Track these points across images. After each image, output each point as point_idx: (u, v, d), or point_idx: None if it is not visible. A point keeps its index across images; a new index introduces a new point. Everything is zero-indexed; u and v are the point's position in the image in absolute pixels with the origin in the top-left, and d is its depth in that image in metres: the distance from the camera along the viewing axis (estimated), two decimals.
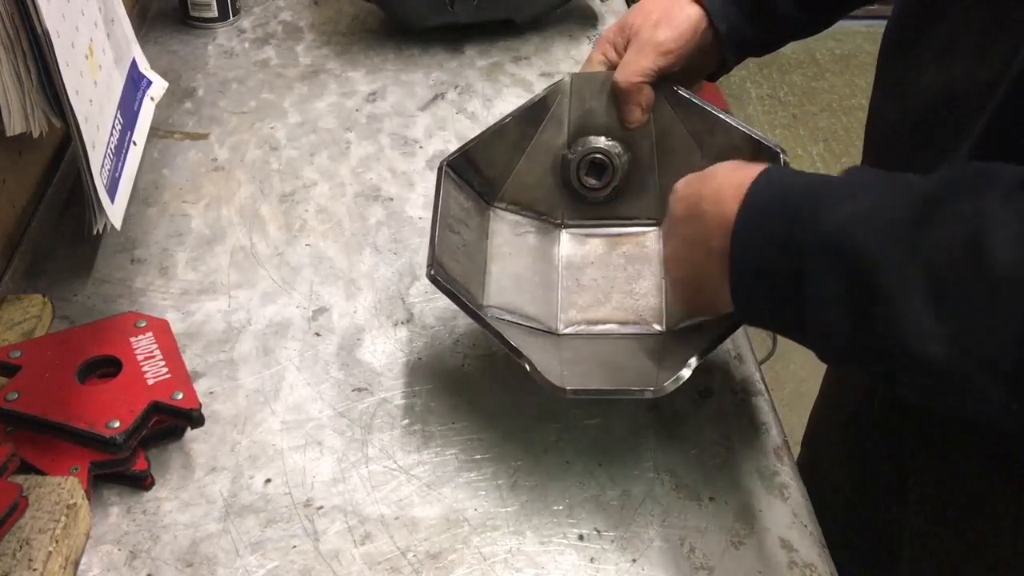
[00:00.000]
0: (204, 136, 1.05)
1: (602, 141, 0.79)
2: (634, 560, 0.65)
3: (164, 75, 1.00)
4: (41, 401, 0.67)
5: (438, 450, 0.72)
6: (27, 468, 0.64)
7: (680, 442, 0.73)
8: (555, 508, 0.68)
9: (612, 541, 0.66)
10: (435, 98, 1.12)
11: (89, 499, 0.65)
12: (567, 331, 0.75)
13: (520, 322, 0.73)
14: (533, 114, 0.79)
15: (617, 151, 0.79)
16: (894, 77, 0.71)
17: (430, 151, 1.03)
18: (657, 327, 0.74)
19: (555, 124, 0.79)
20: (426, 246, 0.90)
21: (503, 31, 1.23)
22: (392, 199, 0.96)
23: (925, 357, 0.47)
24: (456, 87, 1.14)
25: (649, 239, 0.80)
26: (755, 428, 0.74)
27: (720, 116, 0.77)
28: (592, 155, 0.79)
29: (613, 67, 0.77)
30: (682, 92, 0.78)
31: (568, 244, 0.80)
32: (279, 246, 0.91)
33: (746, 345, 0.81)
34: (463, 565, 0.64)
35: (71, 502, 0.62)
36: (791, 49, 3.25)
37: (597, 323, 0.74)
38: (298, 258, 0.89)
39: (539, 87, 1.13)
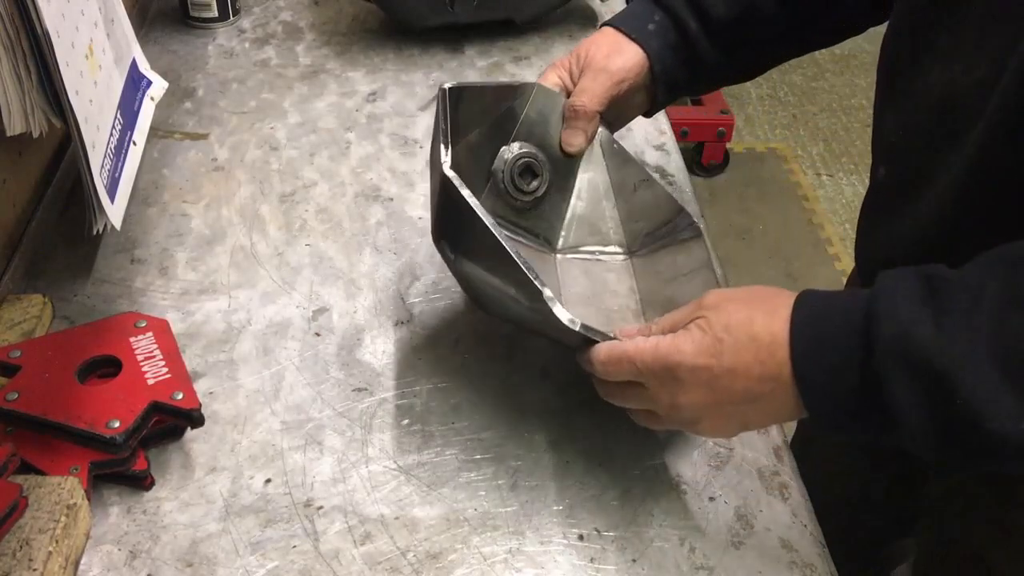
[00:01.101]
0: (204, 136, 1.05)
1: (539, 152, 0.82)
2: (634, 560, 0.65)
3: (164, 75, 1.00)
4: (41, 401, 0.67)
5: (438, 450, 0.72)
6: (27, 468, 0.64)
7: (680, 442, 0.73)
8: (555, 508, 0.68)
9: (612, 541, 0.66)
10: (435, 98, 1.12)
11: (89, 499, 0.65)
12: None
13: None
14: (503, 94, 0.81)
15: (549, 168, 0.83)
16: (897, 85, 0.71)
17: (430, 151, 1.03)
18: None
19: (510, 118, 0.81)
20: (426, 246, 0.91)
21: (503, 31, 1.23)
22: (392, 199, 0.96)
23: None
24: None
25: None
26: None
27: (649, 176, 0.83)
28: (527, 159, 0.81)
29: (567, 92, 0.82)
30: (620, 146, 0.83)
31: None
32: (279, 246, 0.91)
33: None
34: (463, 565, 0.64)
35: (71, 502, 0.62)
36: None
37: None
38: (298, 258, 0.89)
39: None
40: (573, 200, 0.84)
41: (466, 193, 0.65)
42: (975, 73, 0.62)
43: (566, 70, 0.82)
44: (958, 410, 0.51)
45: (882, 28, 0.74)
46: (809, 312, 0.57)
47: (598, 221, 0.84)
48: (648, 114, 0.87)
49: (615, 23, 0.83)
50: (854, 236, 0.83)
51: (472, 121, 0.78)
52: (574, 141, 0.81)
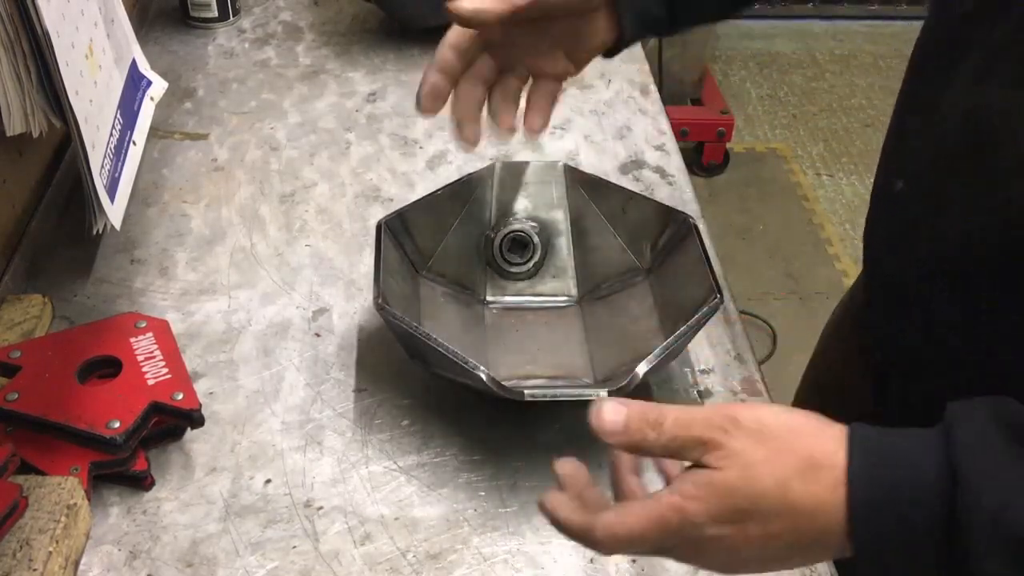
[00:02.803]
0: (204, 136, 1.05)
1: (522, 223, 0.84)
2: (634, 560, 0.65)
3: (164, 75, 1.00)
4: (41, 401, 0.67)
5: (438, 450, 0.72)
6: (27, 468, 0.64)
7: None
8: None
9: None
10: None
11: (89, 499, 0.65)
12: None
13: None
14: (461, 192, 0.83)
15: (537, 231, 0.84)
16: (923, 97, 0.69)
17: (430, 151, 1.03)
18: (586, 379, 0.76)
19: (479, 206, 0.84)
20: None
21: None
22: (392, 199, 0.96)
23: None
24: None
25: (568, 313, 0.83)
26: None
27: (631, 192, 0.83)
28: (513, 233, 0.84)
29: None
30: (595, 176, 0.85)
31: (491, 315, 0.83)
32: (279, 246, 0.91)
33: (746, 345, 0.81)
34: (463, 565, 0.64)
35: (71, 502, 0.62)
36: (791, 49, 3.26)
37: (526, 379, 0.76)
38: (298, 259, 0.89)
39: None
40: (568, 249, 0.85)
41: (399, 319, 0.69)
42: (1013, 100, 0.59)
43: None
44: None
45: (886, 30, 0.73)
46: (866, 473, 0.46)
47: (598, 256, 0.85)
48: (611, 53, 0.71)
49: None
50: (854, 236, 0.83)
51: (440, 229, 0.82)
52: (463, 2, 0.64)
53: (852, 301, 0.92)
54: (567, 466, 0.55)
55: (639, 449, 0.51)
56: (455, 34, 0.68)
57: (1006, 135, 0.60)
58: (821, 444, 0.48)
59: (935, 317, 0.71)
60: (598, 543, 0.50)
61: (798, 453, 0.48)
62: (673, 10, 0.70)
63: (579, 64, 0.71)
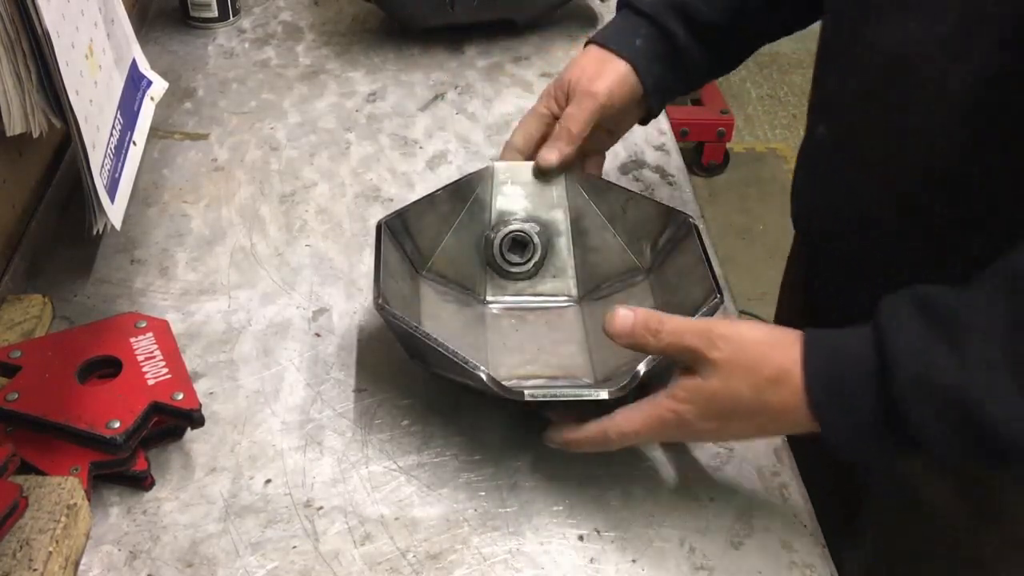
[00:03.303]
0: (204, 136, 1.05)
1: (522, 223, 0.84)
2: (634, 560, 0.65)
3: (164, 75, 1.00)
4: (41, 401, 0.67)
5: (438, 450, 0.72)
6: (27, 468, 0.64)
7: (680, 443, 0.73)
8: (555, 508, 0.68)
9: (612, 541, 0.66)
10: (435, 98, 1.12)
11: (89, 499, 0.65)
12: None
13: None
14: (461, 192, 0.83)
15: (536, 231, 0.84)
16: (842, 41, 0.71)
17: (430, 151, 1.03)
18: (586, 379, 0.76)
19: (479, 206, 0.84)
20: None
21: (503, 31, 1.23)
22: (392, 200, 0.96)
23: None
24: (456, 87, 1.14)
25: (568, 313, 0.83)
26: None
27: (631, 192, 0.84)
28: (513, 233, 0.84)
29: (555, 118, 0.82)
30: (595, 176, 0.86)
31: (492, 315, 0.83)
32: (279, 246, 0.91)
33: None
34: (463, 565, 0.64)
35: (71, 502, 0.62)
36: (791, 49, 3.25)
37: (526, 379, 0.76)
38: (298, 259, 0.89)
39: (539, 87, 1.13)
40: (568, 249, 0.85)
41: (399, 319, 0.69)
42: (933, 29, 0.61)
43: (553, 98, 0.82)
44: (986, 432, 0.53)
45: None
46: (819, 375, 0.58)
47: (598, 257, 0.85)
48: (644, 122, 0.88)
49: (600, 40, 0.83)
50: None
51: (440, 230, 0.82)
52: (547, 156, 0.81)
53: (795, 256, 0.97)
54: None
55: (642, 349, 0.63)
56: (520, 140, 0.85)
57: (929, 70, 0.62)
58: (789, 355, 0.58)
59: (857, 263, 0.77)
60: (610, 440, 0.64)
61: (770, 364, 0.58)
62: (688, 81, 0.86)
63: (618, 137, 0.88)
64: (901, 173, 0.69)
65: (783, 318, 1.02)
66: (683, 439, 0.69)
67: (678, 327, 0.61)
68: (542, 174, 0.83)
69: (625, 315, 0.62)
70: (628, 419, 0.63)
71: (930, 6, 0.62)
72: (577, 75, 0.81)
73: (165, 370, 0.70)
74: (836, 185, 0.76)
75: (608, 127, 0.84)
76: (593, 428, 0.64)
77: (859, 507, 0.88)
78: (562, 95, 0.82)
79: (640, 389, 0.65)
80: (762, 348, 0.60)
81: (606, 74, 0.80)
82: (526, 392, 0.66)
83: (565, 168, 0.82)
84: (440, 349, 0.66)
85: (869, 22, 0.67)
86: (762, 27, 0.85)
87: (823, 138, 0.77)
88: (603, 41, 0.82)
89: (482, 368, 0.66)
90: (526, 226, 0.84)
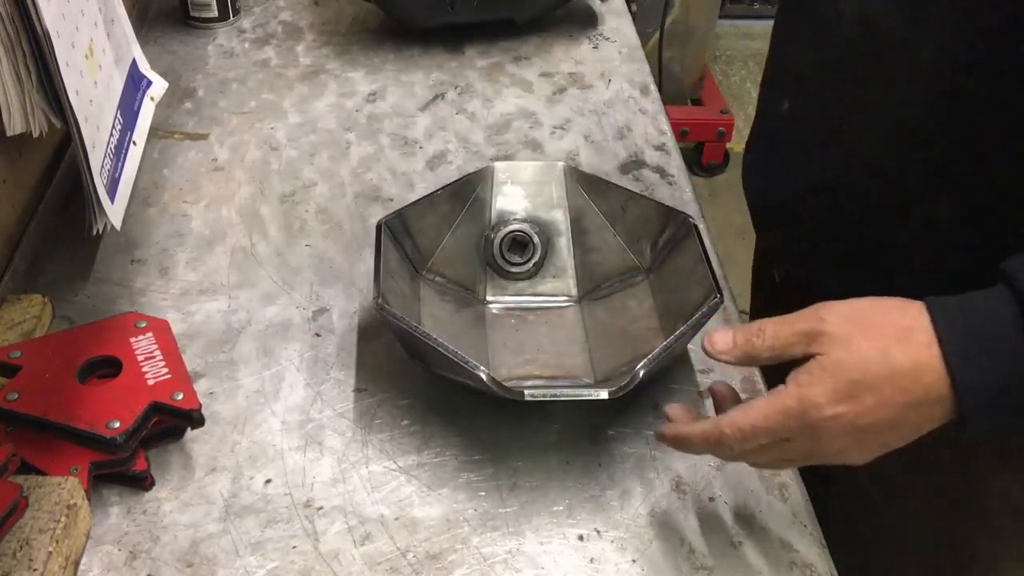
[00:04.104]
0: (204, 136, 1.05)
1: (522, 223, 0.85)
2: (634, 560, 0.65)
3: (164, 75, 1.00)
4: (41, 401, 0.67)
5: (438, 450, 0.72)
6: (27, 468, 0.64)
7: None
8: (555, 508, 0.68)
9: (612, 541, 0.66)
10: (435, 98, 1.12)
11: (89, 499, 0.65)
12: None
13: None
14: (461, 192, 0.84)
15: (536, 231, 0.85)
16: (805, 14, 0.71)
17: (430, 151, 1.03)
18: (586, 379, 0.76)
19: (480, 206, 0.84)
20: None
21: (503, 31, 1.23)
22: (392, 200, 0.96)
23: None
24: (456, 87, 1.14)
25: (568, 313, 0.83)
26: None
27: (631, 192, 0.84)
28: (513, 233, 0.84)
29: None
30: (595, 176, 0.86)
31: (491, 315, 0.83)
32: (279, 246, 0.91)
33: None
34: (463, 565, 0.64)
35: (71, 502, 0.62)
36: None
37: (526, 379, 0.76)
38: (298, 259, 0.89)
39: (539, 87, 1.13)
40: (568, 249, 0.85)
41: (399, 319, 0.69)
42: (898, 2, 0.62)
43: None
44: None
45: None
46: (953, 328, 0.53)
47: (598, 257, 0.85)
48: None
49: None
50: None
51: (440, 230, 0.82)
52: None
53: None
54: (674, 408, 0.62)
55: (750, 357, 0.57)
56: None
57: (894, 42, 0.62)
58: (908, 312, 0.54)
59: (813, 244, 0.77)
60: (724, 440, 0.57)
61: (890, 323, 0.54)
62: None
63: None
64: (870, 143, 0.68)
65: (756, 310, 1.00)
66: (807, 444, 0.56)
67: (781, 318, 0.57)
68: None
69: (723, 331, 0.58)
70: (745, 412, 0.56)
71: None
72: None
73: (165, 370, 0.70)
74: (799, 161, 0.75)
75: None
76: (705, 424, 0.58)
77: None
78: None
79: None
80: (878, 310, 0.56)
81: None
82: (526, 392, 0.66)
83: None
84: (440, 349, 0.66)
85: None
86: None
87: (787, 113, 0.75)
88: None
89: (482, 368, 0.66)
90: (526, 226, 0.84)
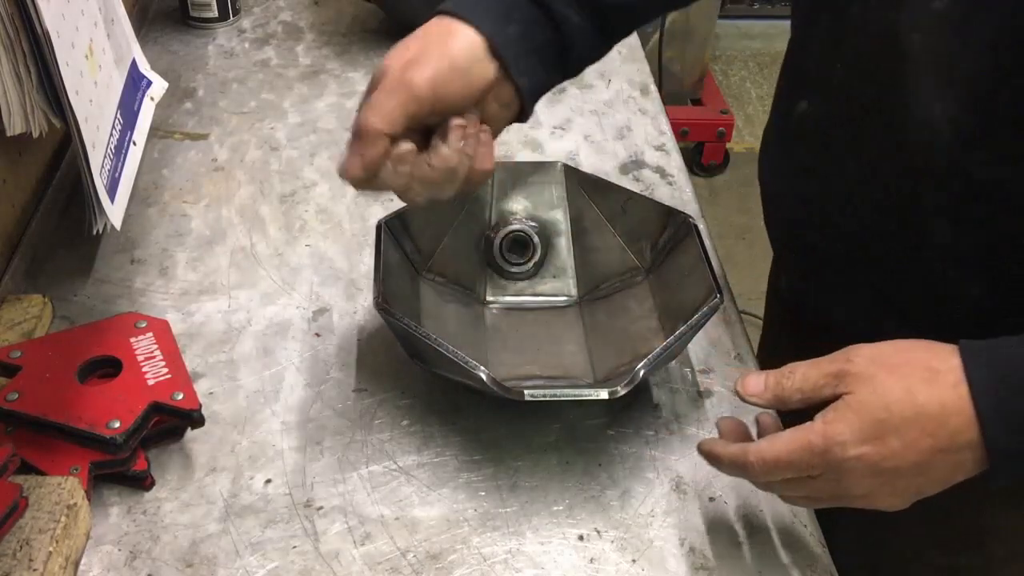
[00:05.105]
0: (204, 136, 1.05)
1: (522, 223, 0.84)
2: (634, 560, 0.65)
3: (164, 75, 1.00)
4: (41, 401, 0.67)
5: (438, 450, 0.72)
6: (27, 468, 0.64)
7: (680, 442, 0.73)
8: (555, 508, 0.68)
9: (612, 541, 0.66)
10: None
11: (89, 499, 0.65)
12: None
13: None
14: None
15: (536, 231, 0.84)
16: (829, 16, 0.69)
17: None
18: (586, 379, 0.76)
19: (479, 207, 0.84)
20: None
21: None
22: (392, 199, 0.96)
23: None
24: None
25: (568, 313, 0.83)
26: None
27: (631, 192, 0.83)
28: (513, 233, 0.84)
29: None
30: (595, 176, 0.85)
31: (491, 315, 0.83)
32: (279, 246, 0.91)
33: (746, 345, 0.81)
34: (463, 565, 0.64)
35: (71, 502, 0.62)
36: None
37: (526, 379, 0.76)
38: (298, 259, 0.89)
39: None
40: (568, 249, 0.85)
41: (399, 319, 0.69)
42: (932, 6, 0.60)
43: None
44: None
45: None
46: (985, 371, 0.53)
47: (598, 257, 0.85)
48: (522, 120, 0.70)
49: (457, 11, 0.66)
50: None
51: (440, 230, 0.82)
52: (348, 167, 0.62)
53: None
54: (728, 421, 0.63)
55: (780, 400, 0.58)
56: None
57: (921, 46, 0.60)
58: (935, 353, 0.54)
59: (825, 256, 0.75)
60: (749, 467, 0.57)
61: (916, 363, 0.54)
62: (565, 71, 0.71)
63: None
64: (891, 153, 0.67)
65: (769, 323, 1.00)
66: (830, 483, 0.56)
67: (812, 361, 0.57)
68: (355, 188, 0.65)
69: (756, 375, 0.59)
70: (771, 443, 0.56)
71: None
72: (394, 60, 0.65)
73: (165, 370, 0.70)
74: (816, 167, 0.73)
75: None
76: (735, 448, 0.59)
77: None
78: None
79: None
80: (905, 351, 0.56)
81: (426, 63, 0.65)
82: (526, 392, 0.66)
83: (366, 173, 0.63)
84: (440, 349, 0.67)
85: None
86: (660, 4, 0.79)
87: (805, 114, 0.74)
88: (462, 14, 0.65)
89: (482, 368, 0.66)
90: (526, 226, 0.84)
